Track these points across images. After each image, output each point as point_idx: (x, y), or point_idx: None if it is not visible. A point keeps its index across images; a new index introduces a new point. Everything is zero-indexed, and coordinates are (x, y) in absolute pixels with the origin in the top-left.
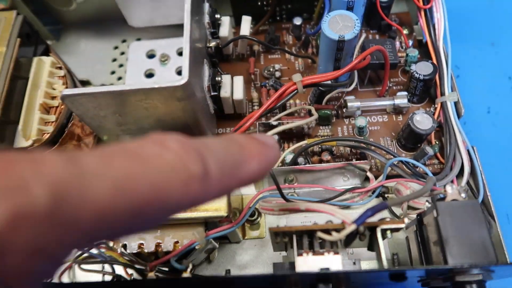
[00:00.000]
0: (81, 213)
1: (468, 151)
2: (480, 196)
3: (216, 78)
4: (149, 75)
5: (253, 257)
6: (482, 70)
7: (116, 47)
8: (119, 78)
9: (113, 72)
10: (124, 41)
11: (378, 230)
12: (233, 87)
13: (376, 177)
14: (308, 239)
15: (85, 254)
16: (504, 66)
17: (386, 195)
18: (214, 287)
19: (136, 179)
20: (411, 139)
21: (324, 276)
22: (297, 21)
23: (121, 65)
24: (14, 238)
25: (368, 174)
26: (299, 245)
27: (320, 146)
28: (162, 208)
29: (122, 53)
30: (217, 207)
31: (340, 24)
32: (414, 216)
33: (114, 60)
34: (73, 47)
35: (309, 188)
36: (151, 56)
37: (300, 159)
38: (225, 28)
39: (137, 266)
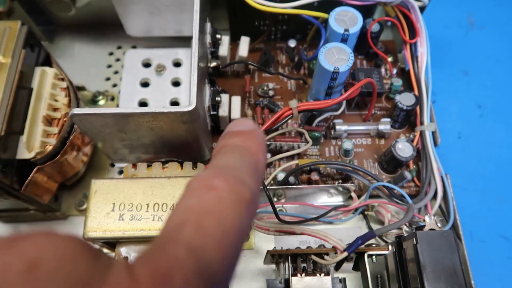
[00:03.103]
0: (219, 280)
1: (442, 177)
2: (451, 220)
3: (216, 98)
4: (145, 84)
5: (241, 268)
6: (455, 97)
7: (111, 53)
8: (114, 85)
9: (108, 79)
10: (119, 47)
11: (365, 256)
12: (231, 106)
13: (359, 197)
14: (301, 259)
15: None
16: (475, 95)
17: (366, 213)
18: None
19: (227, 233)
20: (392, 164)
21: None
22: (292, 43)
23: (116, 72)
24: None
25: (352, 194)
26: (293, 266)
27: (309, 166)
28: (245, 236)
29: (117, 60)
30: None
31: (336, 56)
32: (392, 237)
33: (109, 66)
34: (67, 50)
35: (297, 204)
36: (146, 65)
37: (291, 178)
38: (225, 47)
39: None
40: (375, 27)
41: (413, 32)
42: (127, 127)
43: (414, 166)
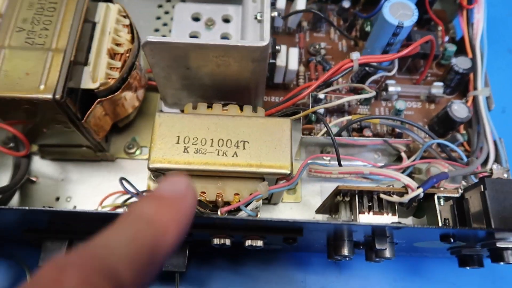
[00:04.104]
0: None
1: (494, 141)
2: None
3: (276, 47)
4: (194, 37)
5: (288, 218)
6: (499, 73)
7: (160, 6)
8: (164, 24)
9: (156, 30)
10: (168, 0)
11: (435, 196)
12: (288, 57)
13: (408, 158)
14: (368, 202)
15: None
16: None
17: (413, 175)
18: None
19: None
20: (444, 125)
21: (382, 230)
22: (346, 4)
23: (165, 24)
24: None
25: (402, 154)
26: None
27: (359, 124)
28: None
29: (166, 13)
30: (281, 165)
31: (400, 11)
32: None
33: (158, 18)
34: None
35: (347, 160)
36: (196, 19)
37: (344, 132)
38: (282, 0)
39: (200, 209)
40: None
41: None
42: (194, 62)
43: (464, 131)
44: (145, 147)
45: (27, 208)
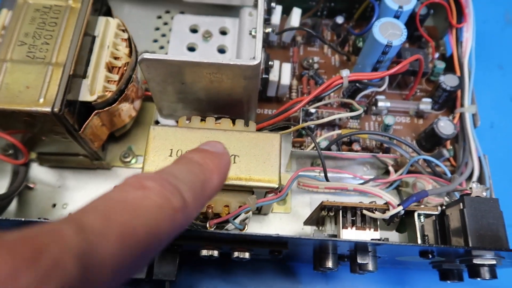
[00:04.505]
0: (103, 270)
1: (479, 158)
2: None
3: (269, 62)
4: (191, 48)
5: (279, 229)
6: (489, 88)
7: (159, 17)
8: (161, 47)
9: (155, 40)
10: (167, 12)
11: (415, 214)
12: (281, 72)
13: (395, 172)
14: (352, 217)
15: None
16: (509, 88)
17: (400, 189)
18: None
19: (134, 228)
20: (431, 141)
21: (363, 245)
22: (340, 19)
23: (163, 35)
24: None
25: (390, 168)
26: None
27: (349, 138)
28: (158, 243)
29: (165, 23)
30: (269, 179)
31: (389, 31)
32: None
33: (157, 29)
34: (117, 11)
35: (335, 173)
36: (193, 30)
37: (333, 146)
38: (277, 16)
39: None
40: (422, 10)
41: (460, 17)
42: (189, 78)
43: (451, 146)
44: (141, 156)
45: (22, 219)
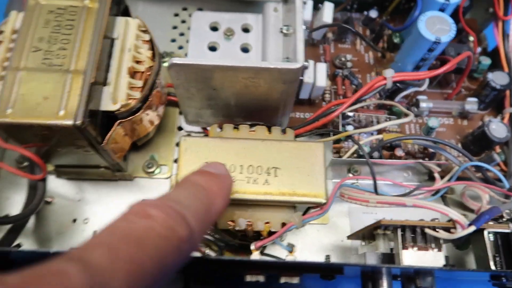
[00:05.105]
0: None
1: None
2: None
3: (304, 63)
4: (212, 48)
5: (316, 242)
6: None
7: (176, 14)
8: (180, 47)
9: (173, 40)
10: (185, 9)
11: (485, 232)
12: (316, 73)
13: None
14: (411, 234)
15: None
16: None
17: (445, 195)
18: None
19: (141, 263)
20: (480, 144)
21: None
22: (373, 14)
23: (181, 34)
24: None
25: (436, 174)
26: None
27: (391, 143)
28: (166, 274)
29: (183, 21)
30: (315, 193)
31: (437, 26)
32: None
33: (175, 27)
34: (131, 10)
35: (378, 180)
36: (214, 28)
37: (375, 153)
38: (309, 11)
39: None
40: (466, 3)
41: (507, 9)
42: (221, 83)
43: (500, 150)
44: (165, 166)
45: (36, 250)
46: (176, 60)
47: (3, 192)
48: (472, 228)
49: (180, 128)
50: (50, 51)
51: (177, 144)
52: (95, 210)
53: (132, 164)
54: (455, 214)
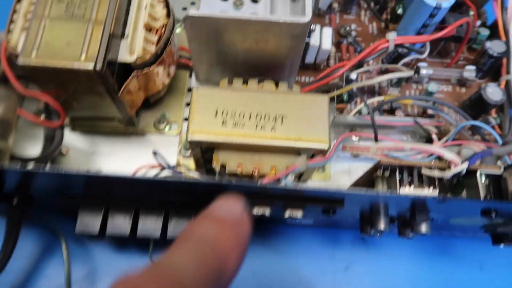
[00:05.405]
0: None
1: None
2: None
3: (310, 26)
4: None
5: None
6: None
7: None
8: (192, 3)
9: (184, 8)
10: None
11: (478, 173)
12: (322, 37)
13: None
14: (408, 176)
15: None
16: None
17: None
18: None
19: None
20: (476, 108)
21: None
22: None
23: (192, 3)
24: None
25: (433, 136)
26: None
27: (390, 105)
28: None
29: None
30: (319, 139)
31: None
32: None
33: None
34: None
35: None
36: None
37: (376, 113)
38: None
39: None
40: None
41: None
42: (233, 38)
43: (495, 115)
44: (175, 123)
45: (63, 172)
46: (191, 13)
47: (19, 146)
48: (465, 165)
49: (190, 90)
50: (72, 2)
51: (188, 104)
52: (107, 162)
53: (144, 120)
54: (449, 154)
